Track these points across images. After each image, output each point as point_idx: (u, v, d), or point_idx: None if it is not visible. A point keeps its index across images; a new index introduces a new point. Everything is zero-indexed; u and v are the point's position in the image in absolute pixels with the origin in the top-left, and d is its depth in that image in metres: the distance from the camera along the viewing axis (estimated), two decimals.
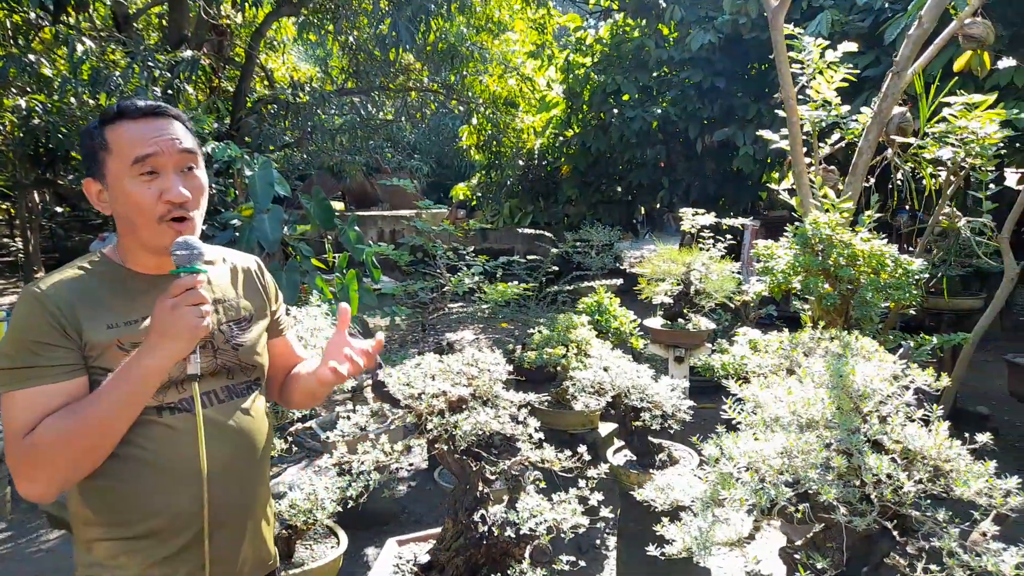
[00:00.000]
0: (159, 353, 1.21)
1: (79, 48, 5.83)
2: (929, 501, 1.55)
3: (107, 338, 1.27)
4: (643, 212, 13.67)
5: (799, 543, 1.70)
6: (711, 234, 5.09)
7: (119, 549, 1.30)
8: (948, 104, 3.82)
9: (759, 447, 1.60)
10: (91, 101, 6.99)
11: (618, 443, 3.46)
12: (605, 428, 4.12)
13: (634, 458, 3.27)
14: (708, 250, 4.76)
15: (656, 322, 4.50)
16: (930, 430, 1.59)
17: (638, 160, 10.56)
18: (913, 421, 1.58)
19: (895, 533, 1.44)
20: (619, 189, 12.27)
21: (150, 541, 1.30)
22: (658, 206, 11.71)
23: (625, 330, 4.61)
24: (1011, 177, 7.05)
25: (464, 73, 10.73)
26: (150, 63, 6.63)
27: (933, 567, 1.53)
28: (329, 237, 5.96)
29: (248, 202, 5.40)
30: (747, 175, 9.59)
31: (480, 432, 1.97)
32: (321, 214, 5.66)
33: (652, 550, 1.84)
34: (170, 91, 8.34)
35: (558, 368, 3.89)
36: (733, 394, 1.89)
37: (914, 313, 3.86)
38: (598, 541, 3.79)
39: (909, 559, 1.56)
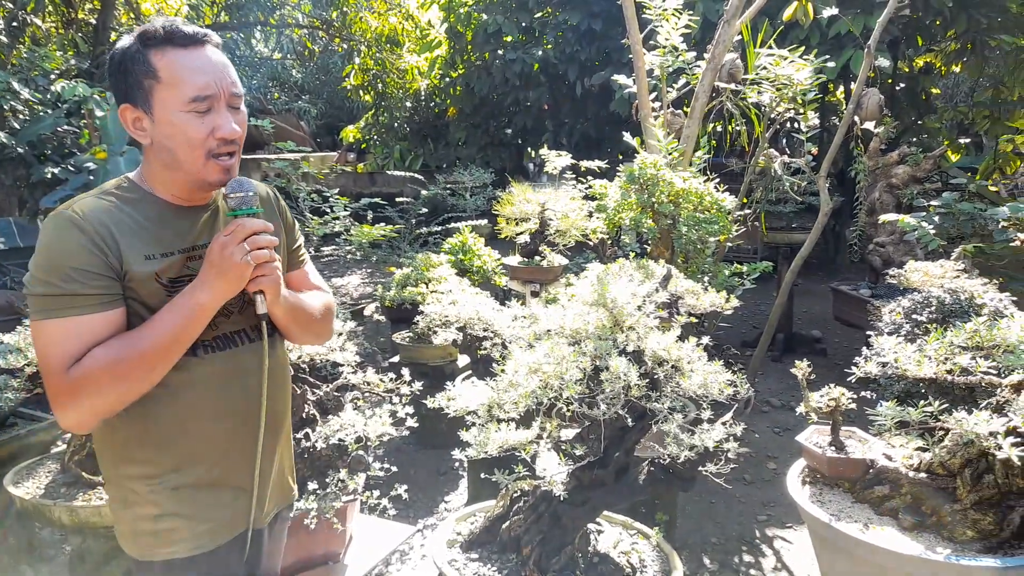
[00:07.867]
0: (212, 290, 1.23)
1: None
2: (691, 402, 1.83)
3: (145, 269, 1.26)
4: (533, 154, 13.88)
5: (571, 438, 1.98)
6: (572, 175, 5.34)
7: (163, 484, 1.31)
8: (769, 55, 4.17)
9: (531, 358, 1.84)
10: None
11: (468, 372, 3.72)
12: (463, 360, 4.37)
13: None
14: (569, 191, 5.01)
15: (514, 260, 4.74)
16: (680, 339, 1.88)
17: (522, 103, 10.68)
18: (658, 331, 1.86)
19: (629, 422, 1.73)
20: (508, 132, 12.38)
21: (188, 475, 1.33)
22: (541, 150, 11.93)
23: (489, 268, 4.84)
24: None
25: (345, 9, 10.42)
26: None
27: (654, 444, 1.84)
28: None
29: (102, 144, 5.20)
30: (626, 118, 9.91)
31: (302, 358, 2.13)
32: None
33: (457, 454, 2.08)
34: (15, 23, 7.70)
35: (417, 305, 4.08)
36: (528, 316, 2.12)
37: (762, 247, 4.24)
38: (456, 464, 4.07)
39: (645, 443, 1.86)
